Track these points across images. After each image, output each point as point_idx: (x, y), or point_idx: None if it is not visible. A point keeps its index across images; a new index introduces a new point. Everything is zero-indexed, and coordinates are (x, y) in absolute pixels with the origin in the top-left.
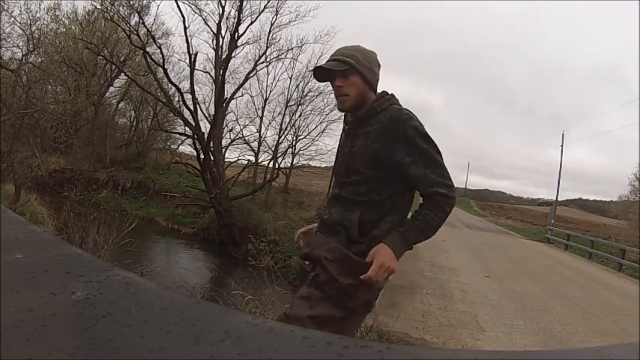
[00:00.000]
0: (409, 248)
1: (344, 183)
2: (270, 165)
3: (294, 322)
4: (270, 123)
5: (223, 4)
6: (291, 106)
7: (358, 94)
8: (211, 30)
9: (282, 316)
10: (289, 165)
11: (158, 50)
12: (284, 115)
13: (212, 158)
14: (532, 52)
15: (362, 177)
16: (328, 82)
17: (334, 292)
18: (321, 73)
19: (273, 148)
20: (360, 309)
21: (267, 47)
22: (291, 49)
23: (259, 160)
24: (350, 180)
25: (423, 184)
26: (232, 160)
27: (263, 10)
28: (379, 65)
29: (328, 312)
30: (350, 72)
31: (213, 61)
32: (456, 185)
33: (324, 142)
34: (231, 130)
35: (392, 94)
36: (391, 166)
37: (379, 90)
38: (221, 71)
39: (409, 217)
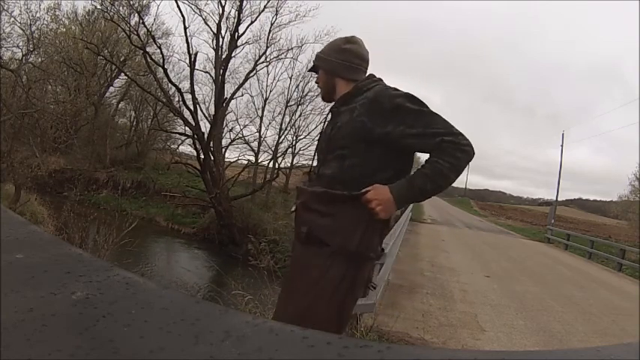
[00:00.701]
0: (415, 198)
1: (326, 160)
2: (270, 165)
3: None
4: (270, 123)
5: (223, 4)
6: (291, 106)
7: (324, 85)
8: (211, 30)
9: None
10: (289, 165)
11: (158, 50)
12: (284, 115)
13: (212, 158)
14: (531, 52)
15: (347, 151)
16: None
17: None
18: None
19: (273, 148)
20: (359, 248)
21: (267, 47)
22: (291, 49)
23: (259, 160)
24: (333, 155)
25: (425, 142)
26: (232, 160)
27: (263, 10)
28: (348, 52)
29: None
30: (317, 67)
31: (213, 61)
32: (455, 185)
33: None
34: (231, 130)
35: (380, 78)
36: (380, 137)
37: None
38: (221, 71)
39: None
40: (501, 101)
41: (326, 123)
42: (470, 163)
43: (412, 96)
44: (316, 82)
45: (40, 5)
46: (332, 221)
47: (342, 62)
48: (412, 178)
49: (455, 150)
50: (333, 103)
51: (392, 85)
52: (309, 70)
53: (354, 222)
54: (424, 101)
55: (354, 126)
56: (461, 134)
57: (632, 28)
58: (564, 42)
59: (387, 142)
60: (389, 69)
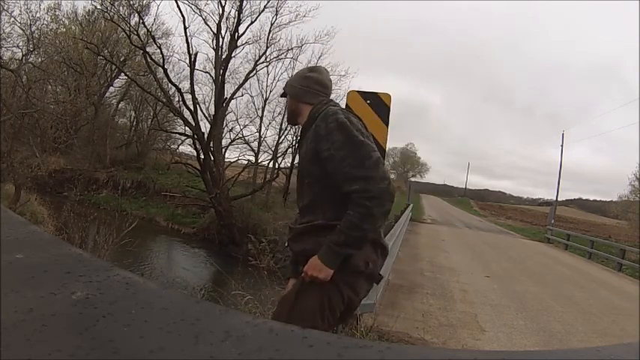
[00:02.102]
0: (338, 253)
1: (301, 192)
2: (270, 165)
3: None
4: (270, 123)
5: (223, 4)
6: None
7: (289, 108)
8: (211, 30)
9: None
10: (289, 165)
11: (158, 50)
12: (284, 115)
13: (212, 158)
14: (531, 52)
15: (312, 178)
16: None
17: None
18: None
19: (273, 148)
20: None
21: (267, 47)
22: (291, 49)
23: (259, 160)
24: (304, 185)
25: (338, 179)
26: (232, 160)
27: (263, 10)
28: (311, 80)
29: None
30: (285, 94)
31: (213, 61)
32: (456, 185)
33: None
34: (231, 130)
35: (330, 100)
36: (324, 157)
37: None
38: (221, 71)
39: None
40: (501, 101)
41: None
42: (387, 207)
43: (342, 122)
44: (285, 107)
45: (40, 5)
46: (317, 246)
47: (302, 88)
48: (331, 235)
49: (364, 200)
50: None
51: (340, 108)
52: (281, 97)
53: None
54: (354, 127)
55: (310, 154)
56: (372, 178)
57: (632, 28)
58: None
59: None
60: (389, 69)
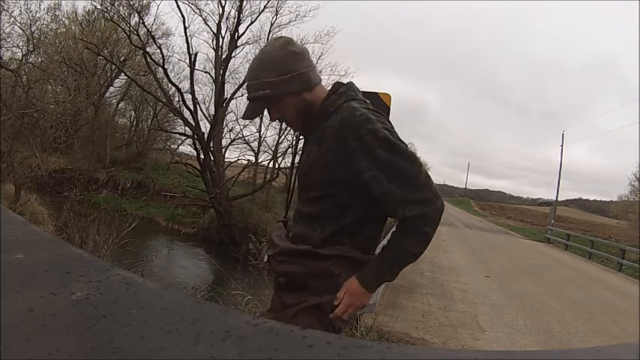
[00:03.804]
0: (384, 281)
1: (303, 199)
2: (270, 165)
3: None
4: (270, 123)
5: (223, 4)
6: None
7: (298, 112)
8: (211, 30)
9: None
10: (289, 165)
11: (158, 50)
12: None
13: (212, 158)
14: (532, 52)
15: (319, 193)
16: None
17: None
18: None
19: (273, 148)
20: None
21: None
22: None
23: (259, 160)
24: (308, 196)
25: (388, 204)
26: (232, 160)
27: (263, 10)
28: (297, 52)
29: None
30: (272, 103)
31: (213, 61)
32: (456, 185)
33: None
34: (231, 130)
35: (348, 85)
36: (350, 179)
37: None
38: (221, 71)
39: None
40: (500, 100)
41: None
42: (438, 223)
43: (385, 138)
44: (277, 118)
45: (40, 5)
46: (307, 270)
47: (300, 69)
48: (378, 263)
49: (422, 225)
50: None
51: (365, 105)
52: (249, 117)
53: (328, 271)
54: (399, 143)
55: (325, 166)
56: (429, 200)
57: (629, 25)
58: (563, 40)
59: (360, 185)
60: (386, 67)
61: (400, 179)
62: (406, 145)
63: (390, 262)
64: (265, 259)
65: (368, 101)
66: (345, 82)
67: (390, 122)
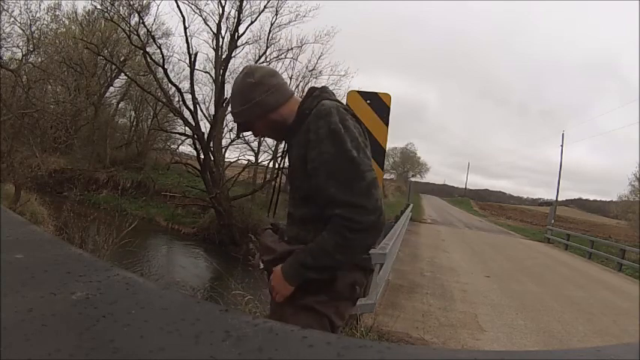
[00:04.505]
0: (301, 275)
1: (292, 200)
2: (270, 165)
3: (281, 319)
4: None
5: (223, 4)
6: None
7: (270, 130)
8: (211, 30)
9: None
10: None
11: (158, 50)
12: None
13: (212, 158)
14: (532, 52)
15: (301, 192)
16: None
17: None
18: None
19: (273, 148)
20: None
21: (267, 47)
22: (291, 49)
23: (259, 160)
24: (295, 195)
25: (321, 199)
26: (232, 160)
27: (263, 10)
28: (253, 82)
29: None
30: (246, 128)
31: (213, 61)
32: (456, 185)
33: None
34: (231, 130)
35: (322, 88)
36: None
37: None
38: (221, 71)
39: None
40: (500, 100)
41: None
42: (371, 242)
43: (336, 131)
44: (262, 136)
45: (40, 5)
46: None
47: (269, 92)
48: (298, 257)
49: (344, 229)
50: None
51: (336, 104)
52: (239, 132)
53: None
54: (349, 137)
55: (300, 163)
56: (360, 207)
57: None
58: (563, 40)
59: None
60: (386, 67)
61: (337, 178)
62: (360, 150)
63: (307, 252)
64: (261, 266)
65: (342, 102)
66: (319, 86)
67: (360, 125)
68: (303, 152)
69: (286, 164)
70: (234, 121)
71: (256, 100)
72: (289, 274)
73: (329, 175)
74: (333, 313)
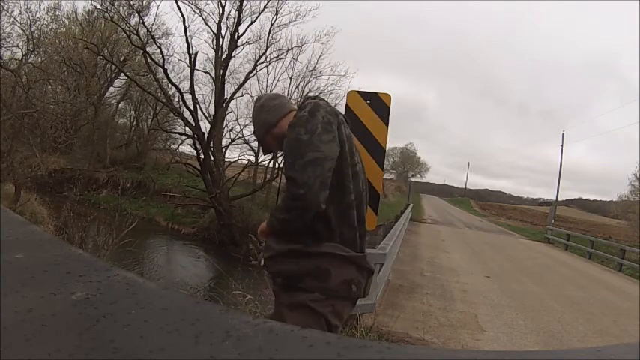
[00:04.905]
0: (272, 221)
1: None
2: (270, 165)
3: (278, 318)
4: None
5: (223, 4)
6: None
7: (279, 139)
8: (211, 30)
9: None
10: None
11: (158, 50)
12: None
13: (212, 158)
14: (532, 52)
15: None
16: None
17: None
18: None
19: None
20: (339, 287)
21: (267, 47)
22: (291, 49)
23: (259, 160)
24: None
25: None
26: (232, 160)
27: (263, 10)
28: (263, 105)
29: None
30: (264, 141)
31: (213, 61)
32: (456, 185)
33: None
34: (231, 130)
35: (316, 95)
36: None
37: None
38: (221, 71)
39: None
40: (499, 100)
41: None
42: (295, 213)
43: (301, 118)
44: (271, 152)
45: (40, 5)
46: (300, 268)
47: (269, 111)
48: (276, 207)
49: (289, 204)
50: None
51: (317, 101)
52: (264, 153)
53: (320, 268)
54: (308, 124)
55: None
56: (292, 179)
57: (631, 25)
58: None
59: None
60: (386, 67)
61: (287, 157)
62: (318, 133)
63: (276, 209)
64: (262, 263)
65: (331, 105)
66: (312, 94)
67: (339, 117)
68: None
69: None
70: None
71: (261, 120)
72: (268, 221)
73: (284, 156)
74: (330, 313)
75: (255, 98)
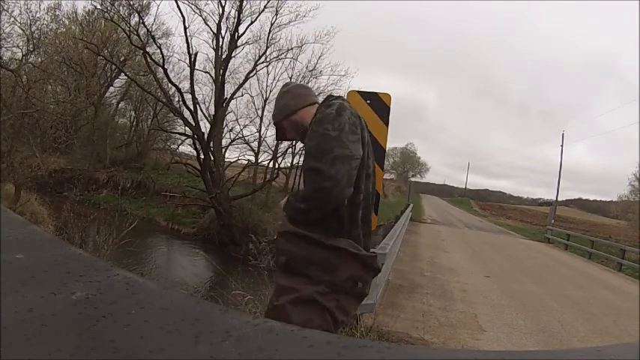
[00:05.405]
0: (287, 209)
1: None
2: (270, 165)
3: (280, 310)
4: (270, 123)
5: (223, 4)
6: None
7: (294, 127)
8: (211, 30)
9: (271, 308)
10: (289, 165)
11: (158, 50)
12: None
13: (212, 158)
14: (528, 50)
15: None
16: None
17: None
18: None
19: (273, 148)
20: (345, 284)
21: (267, 47)
22: (291, 49)
23: (259, 160)
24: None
25: (304, 168)
26: (232, 160)
27: (263, 10)
28: (297, 91)
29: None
30: (281, 126)
31: (213, 61)
32: (456, 185)
33: None
34: (231, 130)
35: (340, 96)
36: None
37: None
38: (221, 71)
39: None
40: (499, 100)
41: None
42: (318, 204)
43: (327, 115)
44: (291, 139)
45: (40, 5)
46: (310, 256)
47: (292, 98)
48: (288, 200)
49: (309, 186)
50: None
51: (343, 103)
52: (278, 139)
53: (329, 262)
54: (330, 125)
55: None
56: (321, 172)
57: (631, 25)
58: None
59: None
60: (386, 67)
61: (313, 150)
62: (343, 132)
63: (293, 196)
64: (275, 237)
65: (346, 106)
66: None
67: (361, 121)
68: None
69: (287, 165)
70: (275, 125)
71: (282, 104)
72: (284, 204)
73: (310, 148)
74: (335, 307)
75: (284, 84)
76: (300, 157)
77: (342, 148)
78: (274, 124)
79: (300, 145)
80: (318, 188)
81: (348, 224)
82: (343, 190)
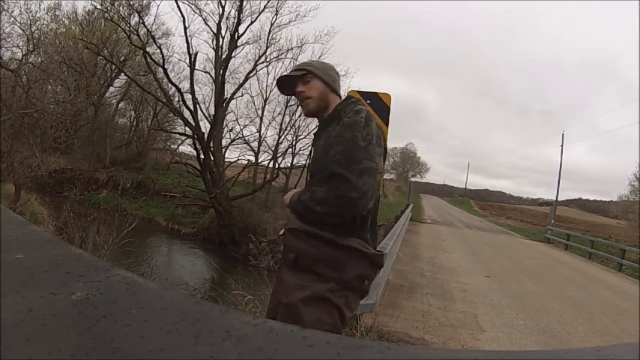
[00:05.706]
0: (297, 206)
1: (309, 185)
2: (270, 165)
3: (292, 309)
4: (270, 123)
5: (223, 4)
6: (291, 105)
7: (320, 96)
8: (211, 30)
9: (276, 305)
10: (289, 165)
11: (158, 50)
12: (284, 115)
13: (212, 158)
14: (528, 50)
15: (320, 175)
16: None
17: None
18: (283, 85)
19: (273, 148)
20: (352, 282)
21: (267, 47)
22: (291, 49)
23: (259, 160)
24: (313, 181)
25: (321, 172)
26: (232, 160)
27: (263, 10)
28: (337, 73)
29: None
30: (309, 77)
31: (213, 61)
32: (456, 185)
33: None
34: (231, 130)
35: (356, 100)
36: None
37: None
38: (221, 71)
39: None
40: (499, 100)
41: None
42: (340, 212)
43: (356, 121)
44: (301, 92)
45: (40, 5)
46: (319, 254)
47: (335, 76)
48: (305, 190)
49: (331, 192)
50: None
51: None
52: (296, 74)
53: (338, 260)
54: (360, 134)
55: (326, 149)
56: (348, 181)
57: (631, 25)
58: (563, 40)
59: None
60: (386, 67)
61: (339, 156)
62: (370, 144)
63: (306, 195)
64: (282, 232)
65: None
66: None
67: (382, 132)
68: (330, 142)
69: (287, 165)
70: (298, 69)
71: (327, 72)
72: (292, 199)
73: (336, 152)
74: (344, 304)
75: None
76: (299, 157)
77: (370, 160)
78: (300, 69)
79: (299, 145)
80: (342, 196)
81: (359, 229)
82: (367, 203)
